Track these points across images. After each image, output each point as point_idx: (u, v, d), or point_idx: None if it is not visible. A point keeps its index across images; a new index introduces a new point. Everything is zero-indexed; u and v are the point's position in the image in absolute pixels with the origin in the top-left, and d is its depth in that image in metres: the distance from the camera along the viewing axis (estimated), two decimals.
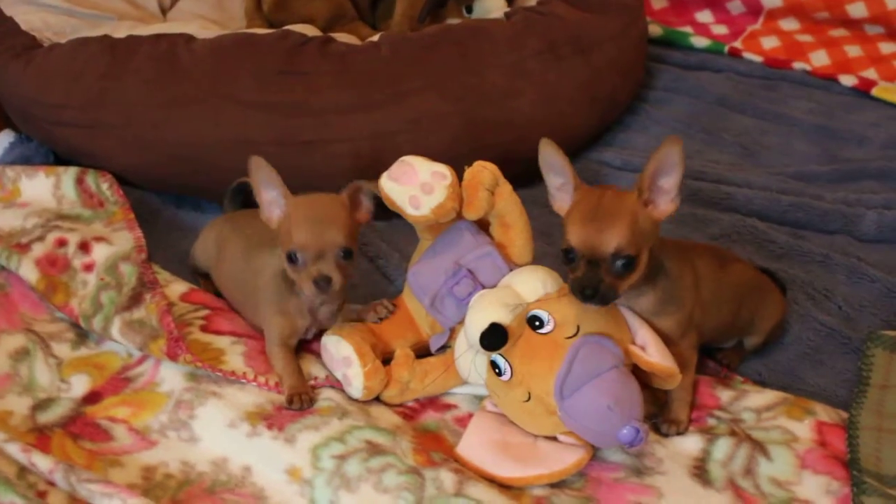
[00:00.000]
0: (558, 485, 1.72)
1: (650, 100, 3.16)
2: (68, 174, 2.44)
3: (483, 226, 1.94)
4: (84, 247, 2.20)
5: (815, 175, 2.73)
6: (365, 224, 1.91)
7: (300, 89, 2.36)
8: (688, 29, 3.65)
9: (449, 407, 1.92)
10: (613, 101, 2.90)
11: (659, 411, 1.85)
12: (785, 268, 2.28)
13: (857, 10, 3.47)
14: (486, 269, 1.88)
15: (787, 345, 2.08)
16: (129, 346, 1.99)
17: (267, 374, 1.92)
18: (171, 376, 1.93)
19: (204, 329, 2.04)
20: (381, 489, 1.66)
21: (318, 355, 1.97)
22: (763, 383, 1.98)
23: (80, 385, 1.93)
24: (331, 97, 2.36)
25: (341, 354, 1.86)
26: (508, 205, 1.89)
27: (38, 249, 2.19)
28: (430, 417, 1.89)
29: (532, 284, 1.80)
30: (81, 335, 2.06)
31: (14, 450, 1.71)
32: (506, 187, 1.88)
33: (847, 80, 3.26)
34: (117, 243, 2.22)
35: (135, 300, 2.06)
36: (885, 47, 3.43)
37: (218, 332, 2.03)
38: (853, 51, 3.42)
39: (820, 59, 3.41)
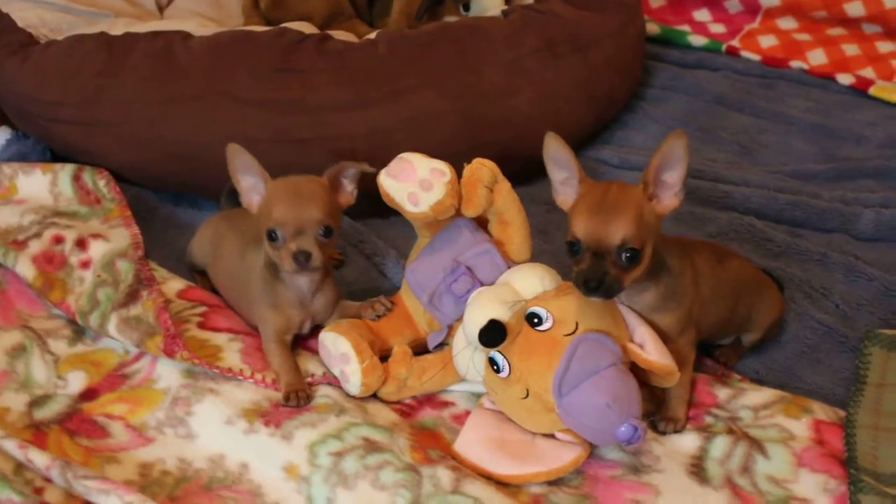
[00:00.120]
0: (556, 482, 1.72)
1: (648, 98, 3.16)
2: (65, 171, 2.44)
3: (481, 223, 1.94)
4: (81, 244, 2.20)
5: (812, 174, 2.74)
6: (347, 206, 1.92)
7: (297, 87, 2.36)
8: (685, 27, 3.65)
9: (446, 404, 1.92)
10: (611, 100, 2.90)
11: (656, 409, 1.85)
12: (782, 266, 2.28)
13: (855, 9, 3.47)
14: (484, 266, 1.89)
15: (784, 343, 2.08)
16: (125, 343, 1.98)
17: (264, 371, 1.92)
18: (167, 373, 1.93)
19: (201, 326, 2.04)
20: (379, 486, 1.66)
21: (315, 352, 1.98)
22: (761, 381, 1.98)
23: (76, 382, 1.93)
24: (328, 95, 2.36)
25: (339, 351, 1.86)
26: (507, 202, 1.89)
27: (35, 246, 2.18)
28: (427, 415, 1.89)
29: (530, 281, 1.80)
30: (78, 332, 2.06)
31: (11, 446, 1.70)
32: (504, 185, 1.88)
33: (844, 79, 3.26)
34: (114, 240, 2.22)
35: (132, 297, 2.06)
36: (883, 46, 3.43)
37: (215, 329, 2.03)
38: (851, 50, 3.43)
39: (817, 57, 3.42)
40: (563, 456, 1.73)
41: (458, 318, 1.88)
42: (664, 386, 1.79)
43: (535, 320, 1.73)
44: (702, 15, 3.73)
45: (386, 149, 2.02)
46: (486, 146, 2.23)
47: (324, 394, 1.87)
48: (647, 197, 1.67)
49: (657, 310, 1.78)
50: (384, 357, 1.91)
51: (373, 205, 1.96)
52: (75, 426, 1.83)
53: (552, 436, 1.76)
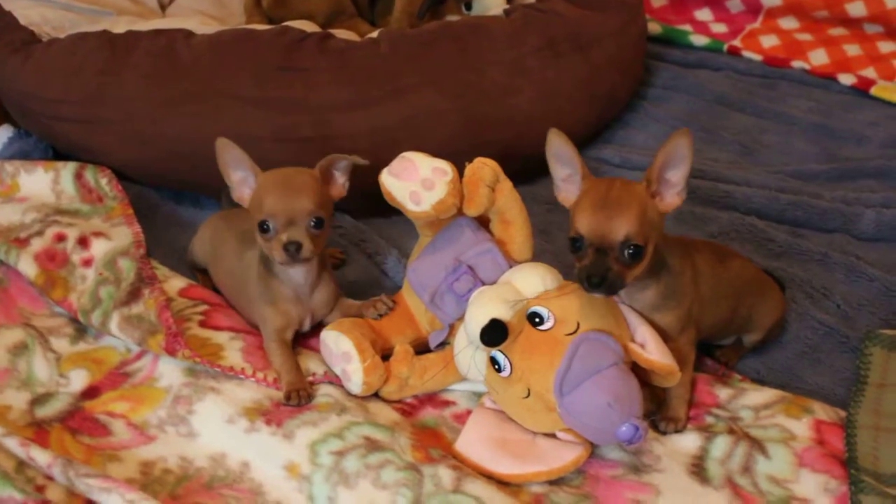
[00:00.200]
0: (556, 482, 1.73)
1: (649, 97, 3.16)
2: (67, 169, 2.44)
3: (483, 222, 1.94)
4: (83, 242, 2.20)
5: (813, 174, 2.74)
6: (338, 198, 1.92)
7: (299, 86, 2.36)
8: (687, 27, 3.65)
9: (447, 403, 1.92)
10: (612, 99, 2.90)
11: (657, 409, 1.86)
12: (783, 266, 2.28)
13: (857, 9, 3.47)
14: (486, 265, 1.89)
15: (785, 343, 2.08)
16: (127, 341, 1.99)
17: (265, 370, 1.92)
18: (169, 371, 1.93)
19: (202, 324, 2.04)
20: (380, 485, 1.66)
21: (316, 351, 1.98)
22: (761, 381, 1.98)
23: (78, 380, 1.93)
24: (330, 94, 2.36)
25: (341, 350, 1.86)
26: (509, 201, 1.89)
27: (37, 244, 2.19)
28: (428, 414, 1.89)
29: (532, 281, 1.80)
30: (80, 330, 2.06)
31: (13, 444, 1.71)
32: (506, 184, 1.88)
33: (846, 79, 3.26)
34: (116, 238, 2.23)
35: (133, 295, 2.06)
36: (884, 46, 3.43)
37: (216, 328, 2.03)
38: (852, 50, 3.42)
39: (819, 57, 3.41)
40: (563, 455, 1.73)
41: (459, 317, 1.88)
42: (665, 386, 1.79)
43: (537, 320, 1.74)
44: (703, 14, 3.72)
45: (387, 148, 2.01)
46: (488, 145, 2.23)
47: (325, 393, 1.87)
48: (650, 195, 1.67)
49: (657, 308, 1.79)
50: (385, 356, 1.92)
51: (374, 204, 1.96)
52: (77, 424, 1.83)
53: (553, 435, 1.76)
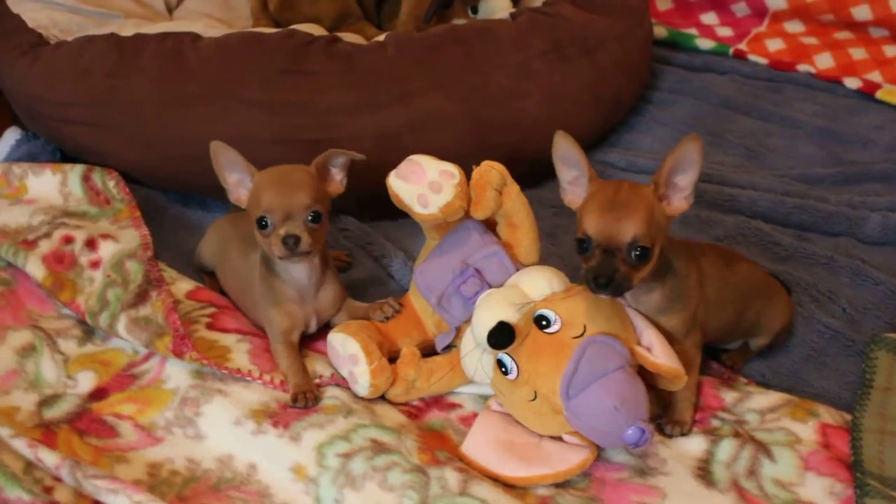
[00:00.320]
0: (563, 485, 1.73)
1: (655, 101, 3.16)
2: (75, 171, 2.45)
3: (490, 225, 1.94)
4: (90, 244, 2.21)
5: (819, 177, 2.73)
6: (336, 195, 1.93)
7: (306, 89, 2.36)
8: (693, 31, 3.65)
9: (454, 406, 1.93)
10: (618, 102, 2.90)
11: (663, 412, 1.86)
12: (789, 270, 2.28)
13: (862, 13, 3.47)
14: (492, 268, 1.89)
15: (790, 347, 2.08)
16: (135, 344, 1.99)
17: (272, 373, 1.93)
18: (176, 373, 1.94)
19: (210, 327, 2.05)
20: (387, 487, 1.66)
21: (323, 353, 1.98)
22: (767, 385, 1.98)
23: (86, 381, 1.94)
24: (336, 97, 2.36)
25: (348, 352, 1.87)
26: (516, 205, 1.90)
27: (45, 246, 2.19)
28: (435, 416, 1.90)
29: (539, 284, 1.80)
30: (88, 332, 2.07)
31: (21, 445, 1.71)
32: (513, 187, 1.89)
33: (852, 83, 3.26)
34: (123, 241, 2.23)
35: (141, 297, 2.07)
36: (890, 50, 3.43)
37: (224, 330, 2.04)
38: (858, 53, 3.42)
39: (825, 61, 3.41)
40: (570, 458, 1.73)
41: (466, 319, 1.88)
42: (671, 389, 1.79)
43: (544, 322, 1.74)
44: (709, 18, 3.73)
45: (394, 151, 2.02)
46: (494, 148, 2.24)
47: (332, 395, 1.88)
48: (658, 198, 1.68)
49: (662, 311, 1.79)
50: (392, 359, 1.92)
51: (381, 206, 1.97)
52: (84, 426, 1.84)
53: (559, 438, 1.77)
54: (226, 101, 2.35)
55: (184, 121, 2.37)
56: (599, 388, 1.67)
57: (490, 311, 1.75)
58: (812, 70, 3.36)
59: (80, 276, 2.14)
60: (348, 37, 2.60)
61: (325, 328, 2.01)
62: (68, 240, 2.22)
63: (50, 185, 2.44)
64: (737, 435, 1.81)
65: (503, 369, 1.76)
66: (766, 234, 2.42)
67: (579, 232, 1.67)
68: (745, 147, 2.92)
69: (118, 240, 2.23)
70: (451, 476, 1.68)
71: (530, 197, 1.94)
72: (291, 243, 1.80)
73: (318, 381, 1.91)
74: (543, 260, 1.95)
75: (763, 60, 3.44)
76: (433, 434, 1.84)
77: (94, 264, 2.17)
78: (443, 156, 1.89)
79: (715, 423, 1.86)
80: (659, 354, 1.73)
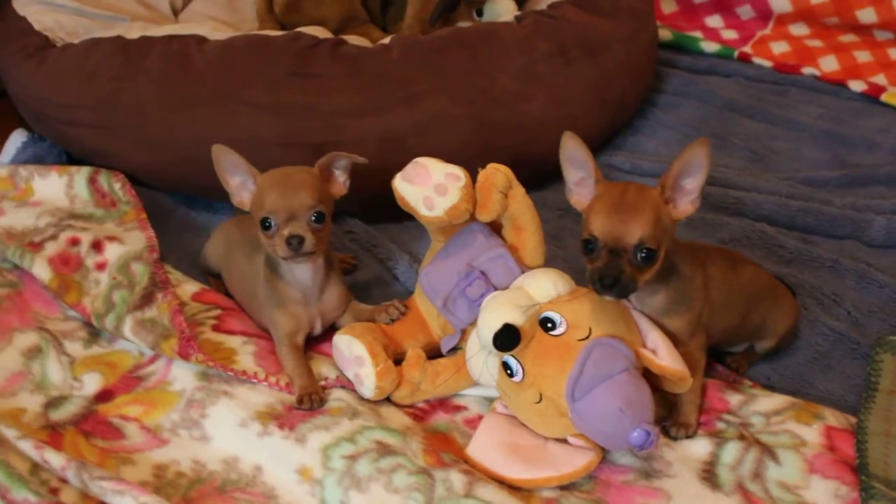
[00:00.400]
0: (567, 487, 1.73)
1: (660, 104, 3.16)
2: (81, 174, 2.45)
3: (495, 228, 1.95)
4: (97, 246, 2.21)
5: (824, 180, 2.74)
6: (339, 196, 1.94)
7: (311, 91, 2.36)
8: (697, 33, 3.65)
9: (459, 408, 1.93)
10: (623, 105, 2.90)
11: (668, 414, 1.86)
12: (794, 273, 2.28)
13: (867, 16, 3.47)
14: (498, 270, 1.89)
15: (796, 349, 2.08)
16: (140, 345, 2.00)
17: (278, 374, 1.93)
18: (182, 375, 1.94)
19: (215, 329, 2.05)
20: (392, 489, 1.66)
21: (329, 356, 1.98)
22: (772, 388, 1.98)
23: (92, 383, 1.94)
24: (341, 99, 2.36)
25: (353, 354, 1.87)
26: (521, 207, 1.90)
27: (51, 248, 2.20)
28: (440, 418, 1.90)
29: (544, 286, 1.81)
30: (94, 334, 2.07)
31: (27, 446, 1.72)
32: (519, 190, 1.89)
33: (856, 86, 3.26)
34: (129, 243, 2.24)
35: (147, 299, 2.08)
36: (895, 53, 3.42)
37: (229, 332, 2.04)
38: (862, 56, 3.42)
39: (829, 64, 3.42)
40: (575, 461, 1.73)
41: (471, 322, 1.88)
42: (676, 391, 1.79)
43: (549, 325, 1.74)
44: (714, 21, 3.73)
45: (399, 154, 2.02)
46: (499, 151, 2.24)
47: (337, 397, 1.88)
48: (664, 201, 1.68)
49: (667, 313, 1.80)
50: (398, 361, 1.92)
51: (386, 209, 1.97)
52: (90, 427, 1.84)
53: (565, 440, 1.77)
54: (231, 103, 2.35)
55: (189, 123, 2.37)
56: (605, 391, 1.67)
57: (495, 313, 1.75)
58: (817, 73, 3.36)
59: (86, 278, 2.15)
60: (353, 39, 2.60)
61: (330, 330, 2.02)
62: (74, 242, 2.22)
63: (56, 187, 2.44)
64: (742, 437, 1.81)
65: (508, 371, 1.76)
66: (771, 237, 2.43)
67: (585, 233, 1.67)
68: (750, 150, 2.92)
69: (124, 242, 2.23)
70: (457, 478, 1.68)
71: (535, 199, 1.94)
72: (295, 244, 1.80)
73: (323, 383, 1.92)
74: (549, 262, 1.95)
75: (768, 63, 3.44)
76: (438, 436, 1.85)
77: (100, 266, 2.18)
78: (448, 158, 1.89)
79: (720, 425, 1.86)
80: (664, 357, 1.73)
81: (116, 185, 2.44)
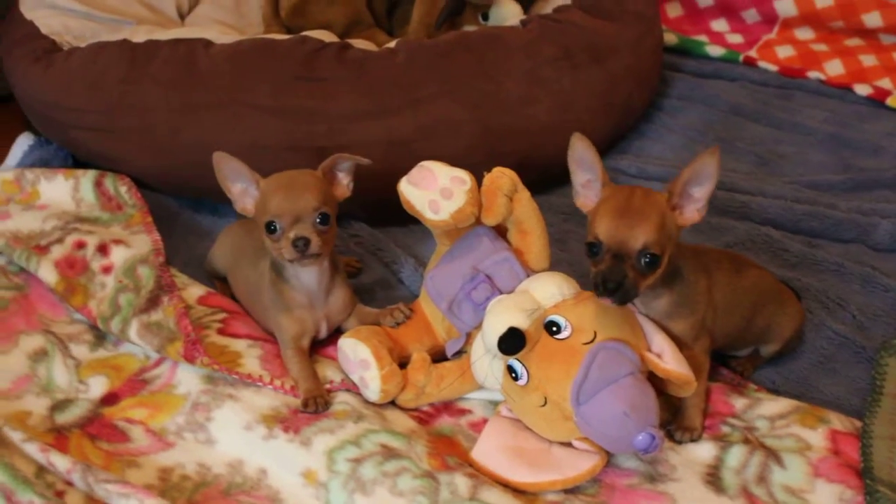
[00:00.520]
0: (572, 490, 1.73)
1: (665, 108, 3.16)
2: (87, 177, 2.46)
3: (500, 232, 1.95)
4: (102, 249, 2.22)
5: (829, 184, 2.73)
6: (342, 198, 1.94)
7: (317, 95, 2.37)
8: (703, 38, 3.65)
9: (464, 412, 1.93)
10: (629, 109, 2.90)
11: (672, 418, 1.86)
12: (799, 276, 2.28)
13: (873, 20, 3.47)
14: (503, 274, 1.90)
15: (800, 353, 2.08)
16: (146, 349, 2.00)
17: (283, 378, 1.93)
18: (187, 378, 1.94)
19: (221, 332, 2.05)
20: (397, 493, 1.67)
21: (334, 359, 1.99)
22: (777, 391, 1.98)
23: (97, 386, 1.95)
24: (347, 103, 2.37)
25: (358, 357, 1.87)
26: (526, 211, 1.90)
27: (57, 251, 2.21)
28: (444, 422, 1.90)
29: (549, 290, 1.81)
30: (99, 337, 2.08)
31: (33, 449, 1.72)
32: (524, 194, 1.89)
33: (862, 90, 3.26)
34: (135, 246, 2.24)
35: (152, 303, 2.08)
36: None
37: (235, 336, 2.04)
38: (868, 60, 3.42)
39: (835, 68, 3.41)
40: (579, 464, 1.73)
41: (476, 325, 1.88)
42: (681, 395, 1.79)
43: (554, 328, 1.74)
44: (719, 25, 3.72)
45: (404, 157, 2.03)
46: (504, 155, 2.25)
47: (342, 400, 1.88)
48: (671, 207, 1.68)
49: (671, 316, 1.80)
50: (402, 364, 1.92)
51: (391, 212, 1.97)
52: (96, 430, 1.85)
53: (569, 444, 1.77)
54: (237, 106, 2.36)
55: (195, 127, 2.38)
56: (609, 394, 1.67)
57: (500, 316, 1.75)
58: (822, 77, 3.35)
59: (92, 281, 2.15)
60: (359, 43, 2.61)
61: (335, 334, 2.02)
62: (80, 245, 2.23)
63: (62, 190, 2.45)
64: (746, 441, 1.81)
65: (513, 375, 1.77)
66: (776, 241, 2.42)
67: (590, 236, 1.68)
68: (756, 154, 2.92)
69: (130, 245, 2.24)
70: (461, 482, 1.68)
71: (540, 203, 1.94)
72: (301, 245, 1.80)
73: (328, 386, 1.92)
74: (554, 266, 1.95)
75: (773, 67, 3.44)
76: (443, 439, 1.85)
77: (106, 269, 2.18)
78: (453, 162, 1.89)
79: (725, 429, 1.86)
80: (669, 361, 1.73)
81: (122, 189, 2.45)
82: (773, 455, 1.78)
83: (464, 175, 1.85)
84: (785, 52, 3.53)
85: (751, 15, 3.68)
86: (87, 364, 2.00)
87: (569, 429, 1.73)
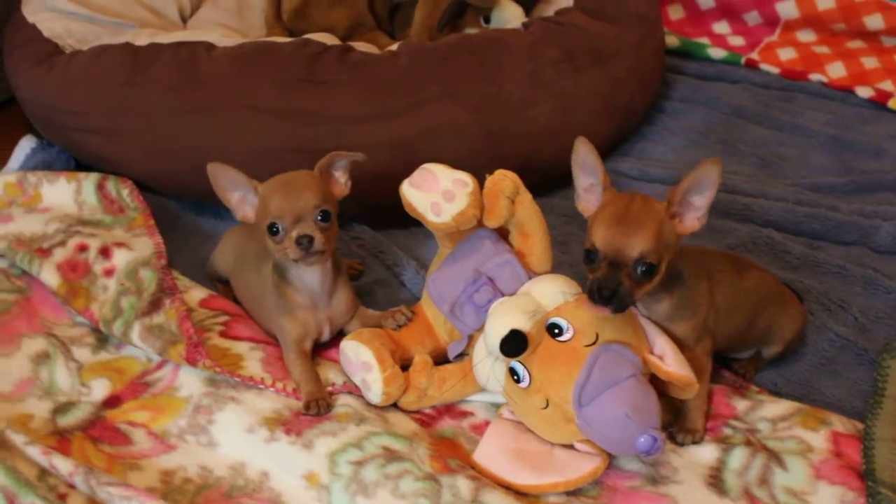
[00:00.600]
0: (574, 493, 1.73)
1: (667, 110, 3.16)
2: (89, 180, 2.46)
3: (503, 234, 1.95)
4: (105, 252, 2.22)
5: (831, 186, 2.73)
6: (341, 197, 1.94)
7: (319, 98, 2.37)
8: (705, 40, 3.65)
9: (465, 414, 1.93)
10: (631, 112, 2.90)
11: (674, 420, 1.86)
12: (801, 279, 2.28)
13: (874, 22, 3.47)
14: (505, 276, 1.90)
15: (802, 355, 2.08)
16: (148, 351, 2.00)
17: (285, 380, 1.94)
18: (189, 381, 1.94)
19: (223, 335, 2.05)
20: (399, 495, 1.67)
21: (336, 362, 1.99)
22: (779, 393, 1.98)
23: (100, 389, 1.95)
24: (349, 106, 2.37)
25: (360, 359, 1.88)
26: (528, 213, 1.90)
27: (60, 254, 2.21)
28: (446, 424, 1.90)
29: (551, 292, 1.81)
30: (102, 340, 2.08)
31: (35, 452, 1.73)
32: (526, 196, 1.90)
33: (863, 92, 3.26)
34: (137, 249, 2.24)
35: (154, 305, 2.08)
36: None
37: (237, 338, 2.05)
38: (870, 63, 3.42)
39: (836, 70, 3.41)
40: (581, 466, 1.74)
41: (478, 328, 1.89)
42: (683, 397, 1.79)
43: (556, 331, 1.74)
44: (721, 27, 3.72)
45: (406, 160, 2.03)
46: (506, 157, 2.24)
47: (344, 403, 1.88)
48: (671, 215, 1.68)
49: (671, 319, 1.80)
50: (404, 366, 1.93)
51: (393, 215, 1.97)
52: (98, 433, 1.85)
53: (571, 446, 1.77)
54: (239, 110, 2.36)
55: (197, 130, 2.38)
56: (611, 397, 1.67)
57: (502, 319, 1.75)
58: (824, 79, 3.35)
59: (94, 284, 2.15)
60: (361, 46, 2.60)
61: (337, 336, 2.02)
62: (82, 248, 2.23)
63: (64, 193, 2.45)
64: (748, 443, 1.81)
65: (515, 377, 1.77)
66: (778, 243, 2.43)
67: (587, 242, 1.67)
68: (757, 156, 2.92)
69: (132, 248, 2.24)
70: (463, 484, 1.68)
71: (542, 206, 1.94)
72: (305, 243, 1.81)
73: (330, 388, 1.92)
74: (555, 268, 1.95)
75: (775, 70, 3.44)
76: (445, 442, 1.85)
77: (108, 272, 2.18)
78: (455, 165, 1.89)
79: (727, 431, 1.86)
80: (671, 363, 1.73)
81: (124, 192, 2.45)
82: (774, 457, 1.78)
83: (466, 177, 1.85)
84: (787, 54, 3.53)
85: (752, 17, 3.68)
86: (90, 367, 2.00)
87: (570, 431, 1.73)
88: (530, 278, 1.90)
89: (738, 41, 3.65)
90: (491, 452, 1.79)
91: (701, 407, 1.84)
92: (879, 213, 2.55)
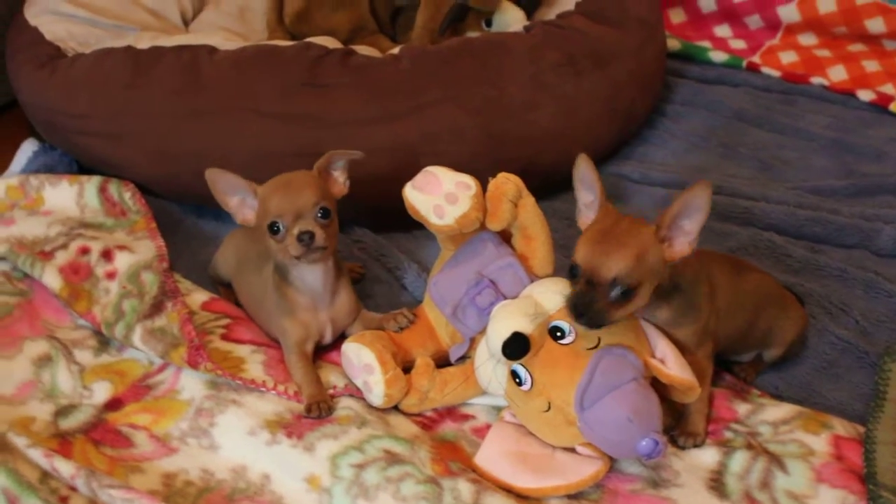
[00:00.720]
0: (575, 496, 1.73)
1: (668, 113, 3.16)
2: (91, 183, 2.46)
3: (505, 237, 1.95)
4: (106, 255, 2.22)
5: (832, 190, 2.73)
6: (340, 196, 1.94)
7: (321, 101, 2.37)
8: (706, 43, 3.65)
9: (467, 417, 1.93)
10: (632, 115, 2.90)
11: (676, 423, 1.86)
12: (802, 282, 2.28)
13: (876, 26, 3.47)
14: (507, 279, 1.90)
15: (803, 359, 2.08)
16: (150, 354, 2.00)
17: (286, 383, 1.94)
18: (191, 384, 1.95)
19: (224, 338, 2.06)
20: (400, 498, 1.67)
21: (337, 364, 1.99)
22: (780, 397, 1.98)
23: (101, 392, 1.95)
24: (351, 109, 2.37)
25: (362, 362, 1.88)
26: (531, 216, 1.90)
27: (62, 257, 2.21)
28: (448, 427, 1.90)
29: (553, 295, 1.81)
30: (103, 342, 2.08)
31: (37, 455, 1.73)
32: (529, 199, 1.90)
33: (865, 95, 3.26)
34: (139, 252, 2.24)
35: (156, 308, 2.08)
36: None
37: (238, 341, 2.05)
38: (871, 66, 3.42)
39: (838, 74, 3.41)
40: (583, 470, 1.74)
41: (480, 330, 1.89)
42: (684, 401, 1.79)
43: (558, 334, 1.74)
44: (722, 31, 3.72)
45: (408, 163, 2.03)
46: (508, 161, 2.25)
47: (345, 405, 1.88)
48: (660, 239, 1.66)
49: (672, 324, 1.80)
50: (406, 369, 1.93)
51: (395, 218, 1.98)
52: (100, 436, 1.85)
53: (573, 449, 1.77)
54: (241, 113, 2.36)
55: (199, 133, 2.38)
56: (613, 400, 1.67)
57: (504, 321, 1.75)
58: (825, 83, 3.35)
59: (96, 286, 2.15)
60: (363, 49, 2.61)
61: (339, 339, 2.02)
62: (84, 251, 2.23)
63: (66, 196, 2.45)
64: (750, 447, 1.81)
65: (517, 380, 1.77)
66: (779, 246, 2.43)
67: (573, 256, 1.67)
68: (758, 159, 2.92)
69: (134, 251, 2.24)
70: (465, 487, 1.68)
71: (545, 209, 1.95)
72: (307, 239, 1.81)
73: (332, 391, 1.92)
74: (558, 271, 1.95)
75: (776, 73, 3.44)
76: (446, 445, 1.85)
77: (110, 275, 2.18)
78: (457, 168, 1.90)
79: (728, 434, 1.86)
80: (672, 366, 1.73)
81: (126, 195, 2.45)
82: (776, 460, 1.78)
83: (469, 180, 1.85)
84: (788, 57, 3.53)
85: (754, 21, 3.67)
86: (91, 369, 2.01)
87: (572, 434, 1.73)
88: (532, 281, 1.90)
89: (739, 44, 3.65)
90: (492, 455, 1.79)
91: (702, 410, 1.85)
92: (881, 216, 2.55)
